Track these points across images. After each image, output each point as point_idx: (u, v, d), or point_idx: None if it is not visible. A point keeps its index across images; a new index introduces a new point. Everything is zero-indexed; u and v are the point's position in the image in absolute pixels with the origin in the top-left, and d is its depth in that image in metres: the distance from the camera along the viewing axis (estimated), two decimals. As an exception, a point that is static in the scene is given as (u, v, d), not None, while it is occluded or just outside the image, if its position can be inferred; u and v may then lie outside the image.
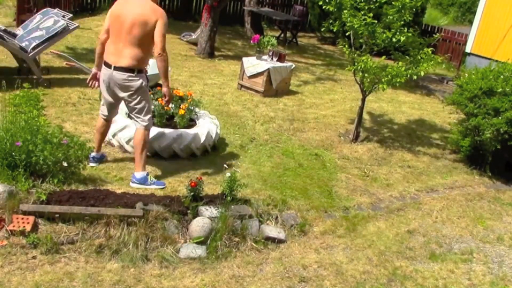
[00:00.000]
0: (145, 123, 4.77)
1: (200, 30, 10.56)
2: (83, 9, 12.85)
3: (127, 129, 5.36)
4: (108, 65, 4.65)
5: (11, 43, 6.83)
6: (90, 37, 10.55)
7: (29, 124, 4.36)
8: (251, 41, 8.94)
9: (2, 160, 4.18)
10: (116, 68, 4.60)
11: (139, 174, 4.75)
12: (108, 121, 5.04)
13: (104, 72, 4.70)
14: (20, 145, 4.13)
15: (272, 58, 8.50)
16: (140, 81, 4.65)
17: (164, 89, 4.79)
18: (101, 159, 5.11)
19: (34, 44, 6.91)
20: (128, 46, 4.57)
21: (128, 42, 4.57)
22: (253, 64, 8.28)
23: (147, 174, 4.81)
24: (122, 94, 4.72)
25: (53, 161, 4.25)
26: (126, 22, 4.53)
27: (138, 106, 4.74)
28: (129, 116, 5.08)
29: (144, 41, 4.58)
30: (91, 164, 4.94)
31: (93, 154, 4.97)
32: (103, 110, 4.94)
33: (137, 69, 4.63)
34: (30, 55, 6.86)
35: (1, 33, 6.78)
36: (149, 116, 4.80)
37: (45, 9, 7.75)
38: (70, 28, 7.38)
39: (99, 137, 5.05)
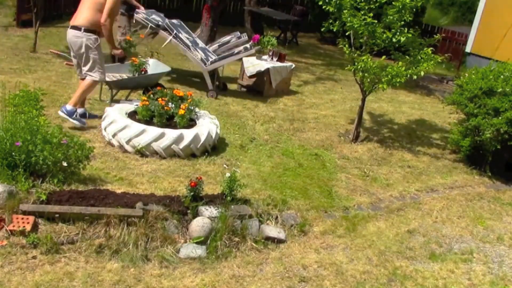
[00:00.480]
0: (92, 77, 5.85)
1: (200, 30, 10.55)
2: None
3: (127, 129, 5.36)
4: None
5: (193, 53, 7.67)
6: (90, 37, 10.55)
7: (28, 124, 4.36)
8: (251, 41, 8.93)
9: (2, 160, 4.18)
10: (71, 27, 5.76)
11: (70, 107, 5.71)
12: (82, 79, 6.00)
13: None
14: (19, 145, 4.12)
15: (272, 58, 8.50)
16: (84, 39, 5.71)
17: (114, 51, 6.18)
18: (85, 115, 6.03)
19: (212, 58, 7.76)
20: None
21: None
22: (253, 64, 8.28)
23: (76, 110, 5.77)
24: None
25: (53, 161, 4.25)
26: None
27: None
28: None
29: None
30: (76, 122, 5.71)
31: (79, 110, 5.92)
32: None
33: (83, 28, 5.70)
34: (207, 67, 7.66)
35: (189, 43, 7.70)
36: (97, 71, 5.88)
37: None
38: (249, 51, 8.04)
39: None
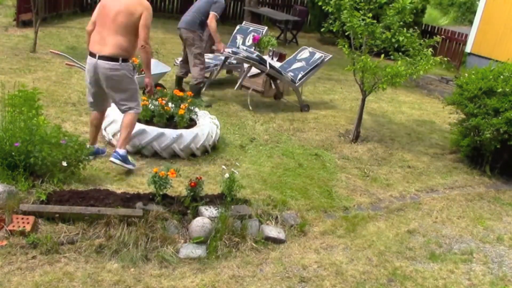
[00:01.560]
0: (133, 110, 4.96)
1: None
2: (83, 9, 12.89)
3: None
4: (93, 55, 4.75)
5: (285, 76, 7.60)
6: (90, 37, 10.54)
7: (27, 124, 4.35)
8: (251, 41, 8.93)
9: (2, 160, 4.18)
10: (100, 57, 4.70)
11: (122, 151, 4.90)
12: (98, 112, 5.15)
13: (89, 62, 4.80)
14: (18, 145, 4.12)
15: (272, 58, 8.49)
16: (123, 71, 4.78)
17: (146, 80, 5.11)
18: (96, 153, 5.14)
19: (300, 75, 7.78)
20: (112, 34, 4.70)
21: (112, 30, 4.70)
22: (253, 65, 8.27)
23: (127, 153, 5.00)
24: (105, 85, 4.83)
25: (52, 161, 4.25)
26: (111, 11, 4.71)
27: (123, 96, 4.90)
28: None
29: (129, 31, 4.73)
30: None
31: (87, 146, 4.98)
32: (89, 102, 5.13)
33: (121, 58, 4.74)
34: (297, 85, 7.71)
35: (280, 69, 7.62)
36: (136, 102, 4.98)
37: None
38: (326, 59, 8.06)
39: (92, 130, 5.21)
